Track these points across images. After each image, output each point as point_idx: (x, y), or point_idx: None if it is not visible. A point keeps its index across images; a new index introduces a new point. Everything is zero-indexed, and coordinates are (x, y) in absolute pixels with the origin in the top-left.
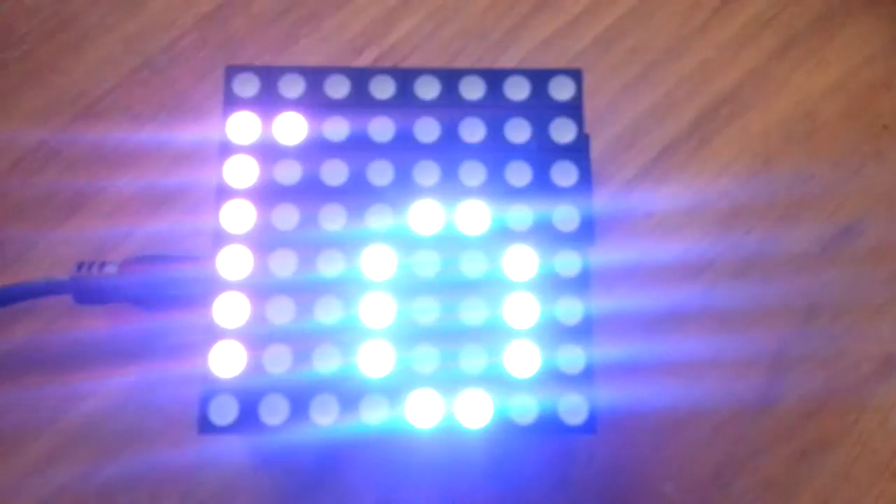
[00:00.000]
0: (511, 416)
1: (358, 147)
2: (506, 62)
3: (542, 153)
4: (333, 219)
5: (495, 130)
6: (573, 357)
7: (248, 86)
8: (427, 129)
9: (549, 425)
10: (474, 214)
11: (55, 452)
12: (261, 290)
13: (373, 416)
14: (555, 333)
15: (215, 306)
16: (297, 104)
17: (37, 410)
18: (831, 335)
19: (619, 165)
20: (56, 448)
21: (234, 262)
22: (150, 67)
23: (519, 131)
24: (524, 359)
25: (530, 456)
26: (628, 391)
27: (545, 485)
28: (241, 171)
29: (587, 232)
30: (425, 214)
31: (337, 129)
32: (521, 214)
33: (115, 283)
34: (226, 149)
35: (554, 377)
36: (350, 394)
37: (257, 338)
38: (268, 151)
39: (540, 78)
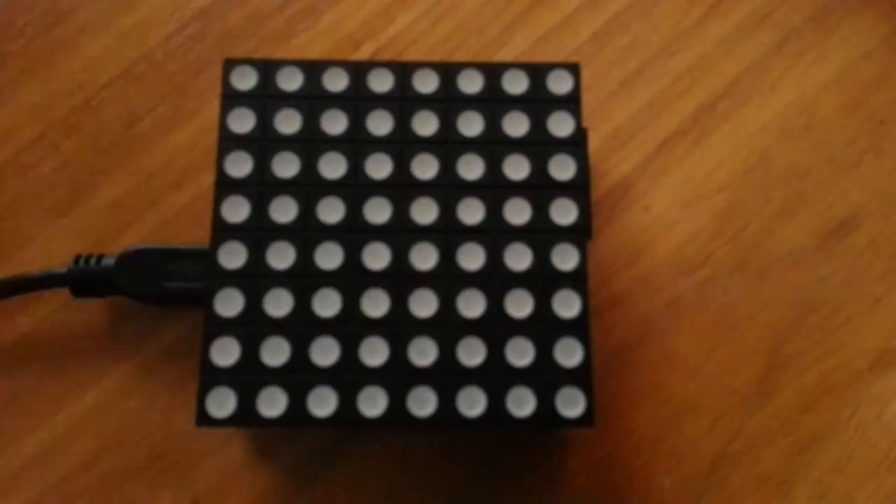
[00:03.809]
0: (508, 409)
1: (356, 141)
2: (504, 56)
3: (540, 147)
4: (331, 212)
5: (493, 124)
6: (570, 350)
7: (246, 79)
8: (425, 123)
9: (547, 418)
10: (471, 207)
11: (53, 445)
12: (259, 282)
13: (371, 409)
14: (552, 327)
15: (214, 299)
16: (295, 97)
17: (34, 403)
18: (828, 329)
19: (617, 160)
20: (54, 441)
21: (232, 255)
22: (148, 61)
23: (517, 125)
24: (522, 352)
25: (527, 448)
26: (625, 384)
27: (542, 478)
28: (240, 164)
29: (584, 226)
30: (423, 207)
31: (335, 122)
32: (519, 208)
33: (113, 275)
34: (225, 142)
35: (551, 370)
36: (348, 386)
37: (255, 330)
38: (266, 144)
39: (538, 72)
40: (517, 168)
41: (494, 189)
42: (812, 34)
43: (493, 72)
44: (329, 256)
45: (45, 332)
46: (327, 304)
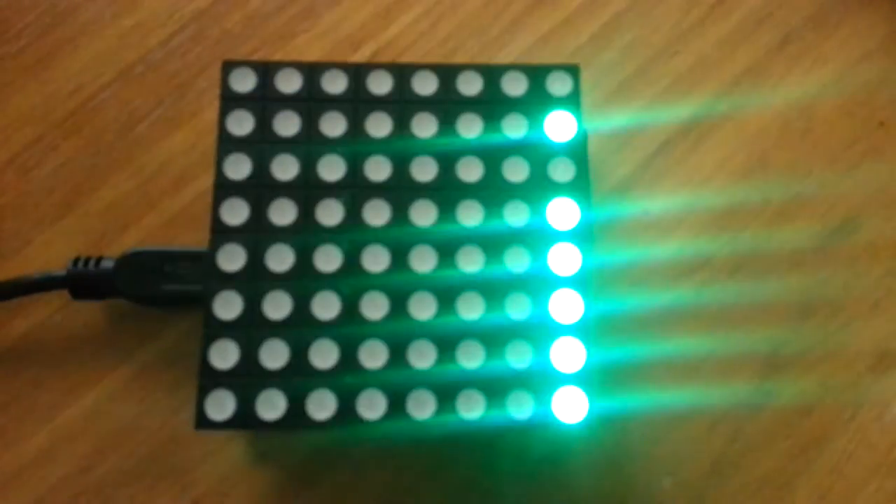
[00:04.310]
0: (508, 413)
1: (355, 142)
2: (503, 58)
3: (540, 149)
4: (331, 214)
5: (493, 126)
6: (570, 353)
7: (245, 81)
8: (424, 125)
9: (546, 421)
10: (471, 210)
11: (52, 448)
12: (258, 285)
13: (370, 411)
14: (552, 330)
15: (213, 301)
16: (294, 99)
17: (34, 405)
18: (827, 332)
19: (616, 162)
20: (53, 443)
21: (231, 257)
22: (147, 62)
23: (516, 127)
24: (522, 355)
25: (527, 452)
26: (626, 388)
27: (542, 481)
28: (239, 166)
29: (584, 228)
30: (422, 210)
31: (334, 124)
32: (518, 210)
33: (112, 278)
34: (223, 144)
35: (551, 374)
36: (347, 388)
37: (254, 333)
38: (265, 146)
39: (537, 73)
40: (516, 170)
41: (494, 191)
42: (812, 35)
43: (492, 74)
44: (328, 259)
45: (44, 334)
46: (326, 306)
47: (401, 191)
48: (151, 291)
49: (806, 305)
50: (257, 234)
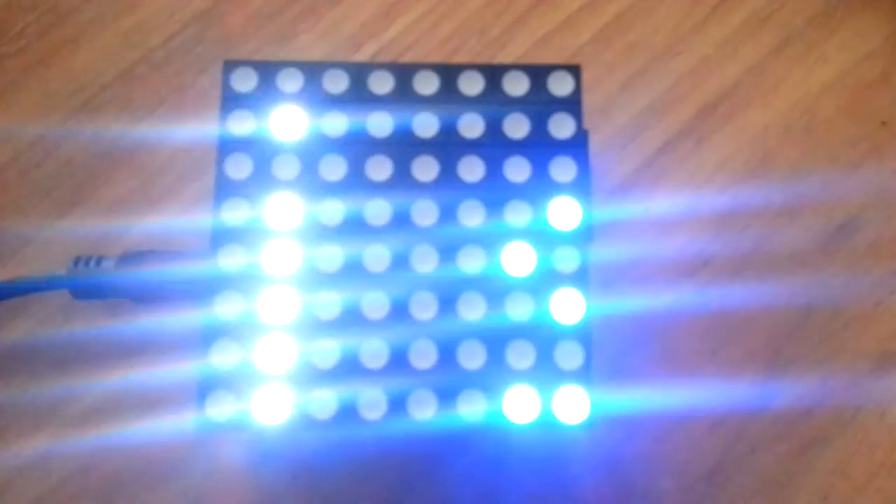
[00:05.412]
0: (509, 413)
1: (356, 142)
2: (505, 58)
3: (541, 149)
4: (331, 215)
5: (494, 126)
6: (571, 353)
7: (246, 80)
8: (426, 125)
9: (548, 422)
10: (472, 209)
11: (54, 448)
12: (259, 285)
13: (371, 410)
14: (553, 330)
15: (214, 301)
16: (295, 99)
17: (35, 406)
18: (829, 332)
19: (618, 162)
20: (55, 443)
21: (232, 258)
22: (149, 62)
23: (518, 127)
24: (522, 355)
25: (528, 453)
26: (627, 389)
27: (543, 482)
28: (240, 167)
29: (585, 228)
30: (424, 210)
31: (335, 124)
32: (519, 210)
33: (113, 278)
34: (225, 144)
35: (552, 374)
36: (349, 388)
37: (255, 334)
38: (266, 146)
39: (539, 73)
40: (518, 170)
41: (495, 191)
42: (814, 35)
43: (493, 73)
44: (329, 259)
45: (45, 334)
46: (328, 307)
47: (402, 191)
48: (152, 291)
49: (807, 305)
50: (257, 235)
